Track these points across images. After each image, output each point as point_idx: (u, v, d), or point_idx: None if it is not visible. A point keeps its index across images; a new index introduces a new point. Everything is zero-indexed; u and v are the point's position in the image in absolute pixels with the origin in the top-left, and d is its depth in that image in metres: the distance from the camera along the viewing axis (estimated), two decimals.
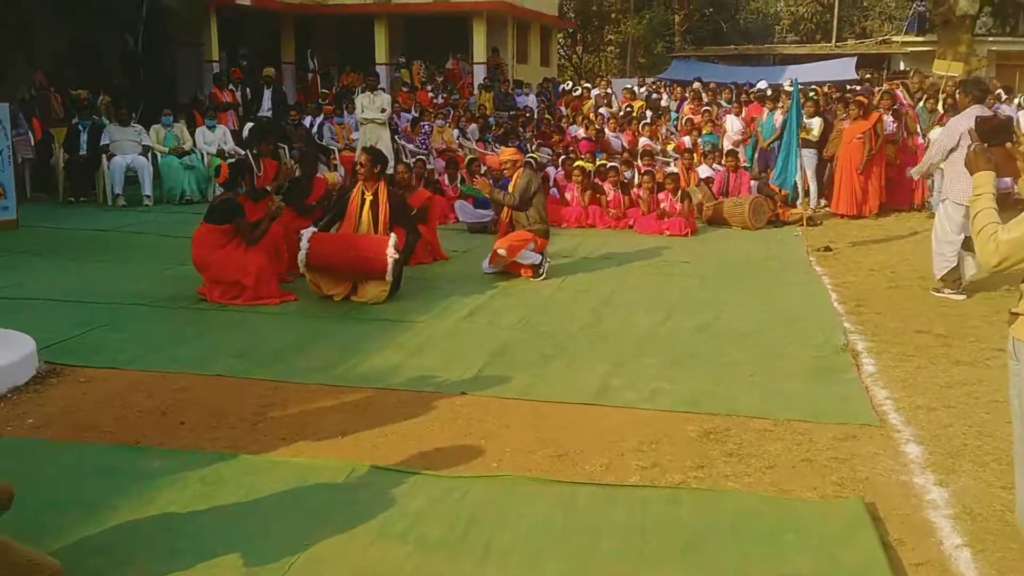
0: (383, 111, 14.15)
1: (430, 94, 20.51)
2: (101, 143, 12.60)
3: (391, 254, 7.34)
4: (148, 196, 12.60)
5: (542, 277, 8.41)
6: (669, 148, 15.24)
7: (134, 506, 3.90)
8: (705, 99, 18.18)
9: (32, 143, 12.90)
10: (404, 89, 19.91)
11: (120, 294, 7.57)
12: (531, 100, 20.91)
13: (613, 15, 42.19)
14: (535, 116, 18.37)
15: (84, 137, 12.67)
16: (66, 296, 7.46)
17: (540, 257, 8.48)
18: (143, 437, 4.66)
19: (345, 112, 15.94)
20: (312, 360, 5.95)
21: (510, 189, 8.57)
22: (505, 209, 8.67)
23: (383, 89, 16.09)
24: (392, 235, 7.53)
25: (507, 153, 9.05)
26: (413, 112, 16.97)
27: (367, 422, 4.87)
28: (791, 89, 11.94)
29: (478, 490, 4.07)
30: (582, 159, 12.91)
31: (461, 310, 7.27)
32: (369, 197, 7.75)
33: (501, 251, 8.33)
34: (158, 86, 15.03)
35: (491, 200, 9.08)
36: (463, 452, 4.50)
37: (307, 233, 7.54)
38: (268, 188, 8.47)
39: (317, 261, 7.48)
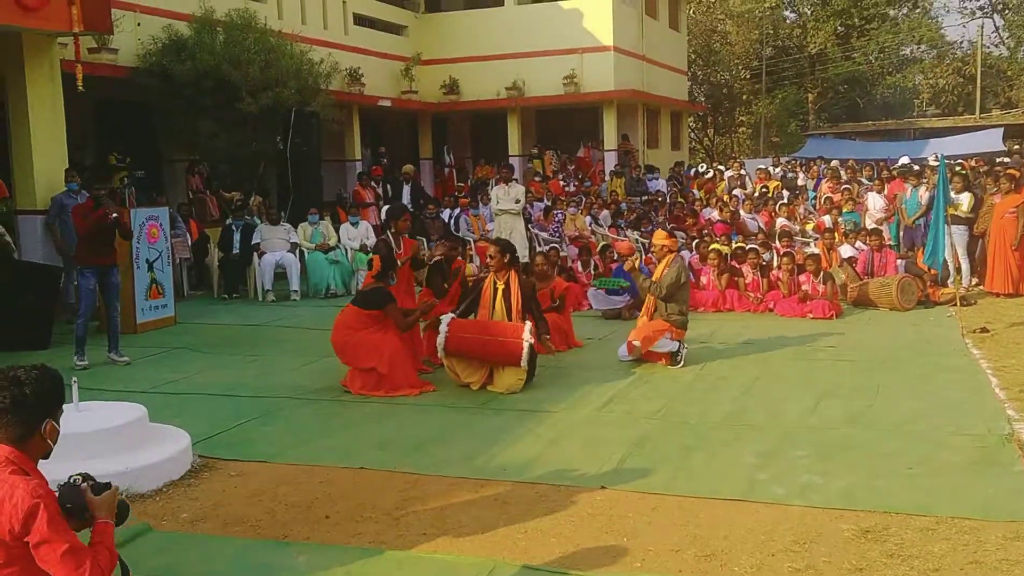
0: (517, 202, 14.42)
1: (562, 182, 20.82)
2: (253, 242, 13.27)
3: (526, 339, 7.39)
4: (296, 291, 13.14)
5: (680, 364, 8.25)
6: (808, 228, 14.90)
7: None
8: (844, 177, 17.75)
9: (189, 244, 13.72)
10: (536, 179, 20.30)
11: (270, 387, 7.85)
12: (662, 184, 20.94)
13: (744, 97, 42.17)
14: (667, 200, 18.35)
15: (237, 236, 13.37)
16: (220, 390, 7.79)
17: (677, 344, 8.34)
18: (290, 532, 4.74)
19: (480, 204, 16.33)
20: (451, 452, 5.98)
21: (656, 275, 8.49)
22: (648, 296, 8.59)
23: (516, 180, 16.44)
24: (527, 322, 7.59)
25: (660, 237, 8.78)
26: (546, 201, 17.23)
27: (507, 517, 4.83)
28: (936, 164, 11.53)
29: None
30: (717, 242, 12.76)
31: (597, 400, 7.19)
32: (501, 286, 7.88)
33: (636, 343, 8.24)
34: (305, 185, 15.82)
35: (638, 288, 8.94)
36: (605, 550, 4.38)
37: (446, 319, 7.68)
38: (401, 262, 8.62)
39: (455, 347, 7.60)
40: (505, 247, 8.05)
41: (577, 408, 6.98)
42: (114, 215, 8.77)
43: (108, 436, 5.39)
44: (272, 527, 4.81)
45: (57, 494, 2.88)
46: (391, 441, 6.26)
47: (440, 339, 7.60)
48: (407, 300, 8.73)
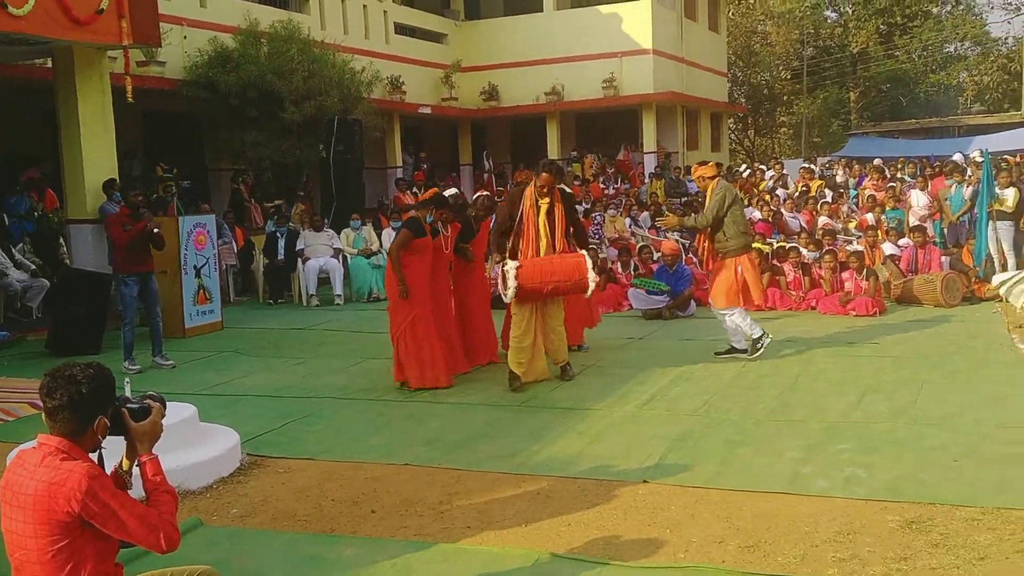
0: None
1: (601, 185, 20.83)
2: (297, 248, 13.48)
3: (592, 279, 7.62)
4: (339, 295, 13.32)
5: (759, 352, 8.30)
6: (851, 226, 14.77)
7: None
8: (887, 174, 17.57)
9: (235, 250, 13.97)
10: (576, 182, 20.33)
11: (316, 388, 7.99)
12: None
13: (785, 97, 41.82)
14: None
15: (282, 243, 13.59)
16: (267, 391, 7.94)
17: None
18: (337, 526, 4.84)
19: None
20: (494, 449, 6.04)
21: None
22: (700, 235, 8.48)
23: None
24: (586, 255, 7.69)
25: (700, 170, 8.62)
26: (585, 204, 17.25)
27: (550, 511, 4.88)
28: (981, 160, 11.40)
29: None
30: (758, 241, 12.69)
31: (639, 397, 7.21)
32: (545, 205, 7.73)
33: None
34: (347, 192, 16.02)
35: (685, 228, 8.79)
36: (648, 542, 4.42)
37: (512, 270, 7.54)
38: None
39: (524, 293, 7.60)
40: (558, 172, 7.92)
41: (618, 406, 7.01)
42: (156, 229, 8.85)
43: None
44: (320, 521, 4.91)
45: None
46: (434, 439, 6.34)
47: (511, 289, 7.50)
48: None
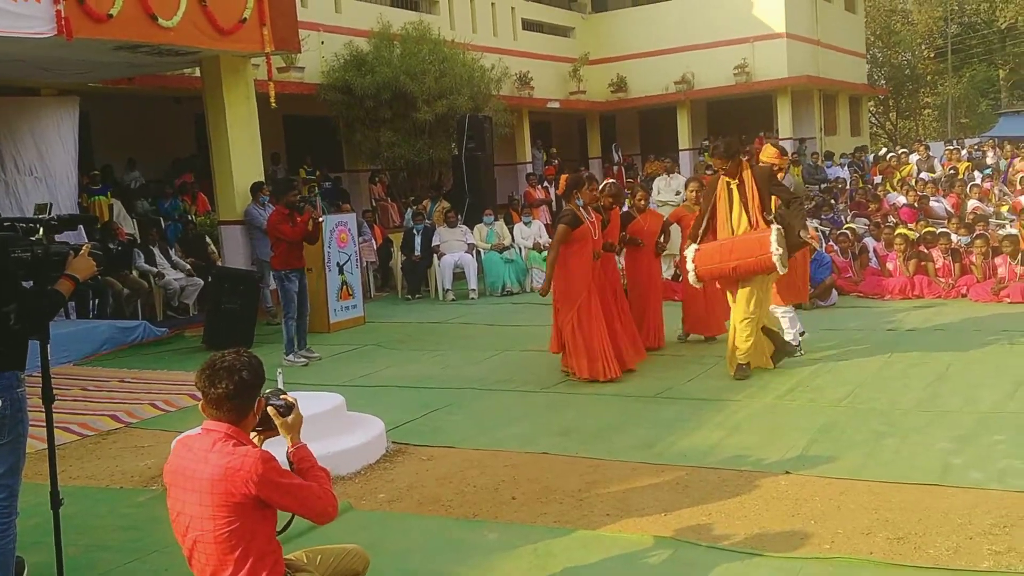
0: (677, 193, 14.45)
1: None
2: (432, 244, 13.78)
3: (775, 251, 7.07)
4: (473, 290, 13.54)
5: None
6: (1003, 210, 14.04)
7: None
8: None
9: (375, 248, 14.41)
10: (708, 172, 19.99)
11: (454, 379, 8.17)
12: (843, 171, 20.23)
13: (929, 77, 39.97)
14: (848, 186, 17.71)
15: (418, 240, 13.92)
16: (408, 383, 8.17)
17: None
18: (479, 511, 4.96)
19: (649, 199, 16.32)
20: (631, 439, 6.05)
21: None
22: None
23: (679, 173, 16.52)
24: (773, 229, 7.17)
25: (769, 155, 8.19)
26: None
27: (689, 500, 4.86)
28: None
29: (811, 572, 3.92)
30: (903, 226, 12.23)
31: (779, 388, 7.08)
32: (735, 184, 7.44)
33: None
34: (479, 188, 16.25)
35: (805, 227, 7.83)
36: (792, 533, 4.35)
37: (691, 253, 7.51)
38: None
39: (706, 276, 7.56)
40: (727, 150, 7.46)
41: (757, 397, 6.89)
42: (320, 219, 9.34)
43: (311, 422, 5.69)
44: (463, 507, 5.04)
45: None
46: (571, 428, 6.40)
47: (691, 275, 7.50)
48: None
